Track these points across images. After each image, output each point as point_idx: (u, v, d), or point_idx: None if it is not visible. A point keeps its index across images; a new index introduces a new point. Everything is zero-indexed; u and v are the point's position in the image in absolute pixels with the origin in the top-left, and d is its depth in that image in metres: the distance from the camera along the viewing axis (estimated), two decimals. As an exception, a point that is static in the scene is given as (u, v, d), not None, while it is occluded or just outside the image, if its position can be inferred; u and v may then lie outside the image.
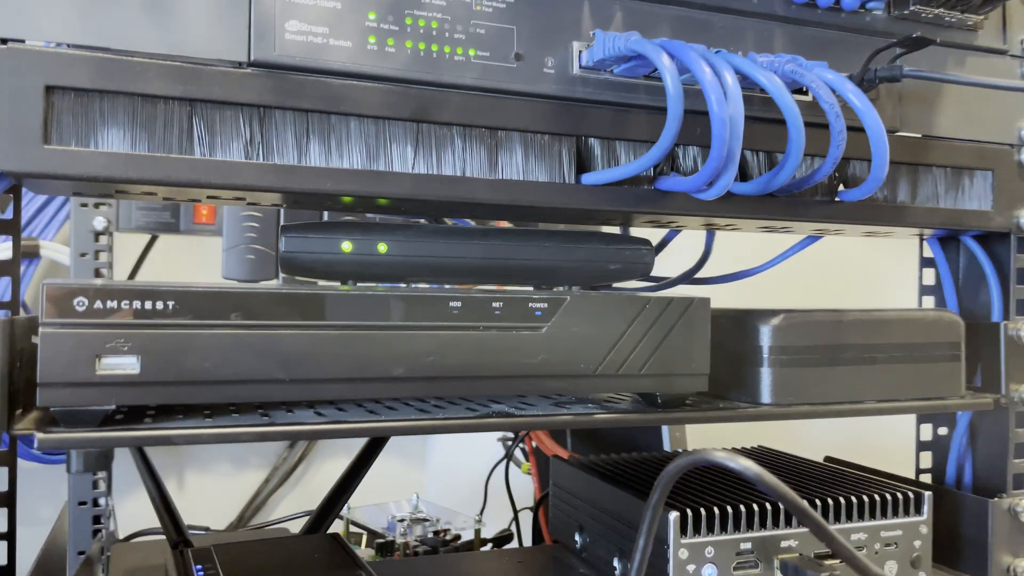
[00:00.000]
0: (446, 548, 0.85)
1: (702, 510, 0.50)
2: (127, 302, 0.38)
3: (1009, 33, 0.57)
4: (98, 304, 0.38)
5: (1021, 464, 0.59)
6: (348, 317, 0.42)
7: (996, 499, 0.58)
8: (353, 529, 0.93)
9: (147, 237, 1.13)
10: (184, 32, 0.39)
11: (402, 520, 0.88)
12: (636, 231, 1.04)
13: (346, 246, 0.48)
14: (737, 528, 0.51)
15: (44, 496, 1.13)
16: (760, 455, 0.69)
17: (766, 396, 0.52)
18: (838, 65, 0.51)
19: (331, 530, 1.09)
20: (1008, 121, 0.58)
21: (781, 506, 0.52)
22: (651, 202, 0.49)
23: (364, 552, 0.88)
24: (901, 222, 0.55)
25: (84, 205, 1.00)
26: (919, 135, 0.55)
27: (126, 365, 0.38)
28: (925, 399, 0.56)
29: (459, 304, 0.44)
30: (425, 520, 0.89)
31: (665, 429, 0.94)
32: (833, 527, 0.52)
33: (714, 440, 0.98)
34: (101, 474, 1.05)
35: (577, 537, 0.61)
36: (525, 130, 0.46)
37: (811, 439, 1.03)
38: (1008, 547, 0.58)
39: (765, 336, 0.53)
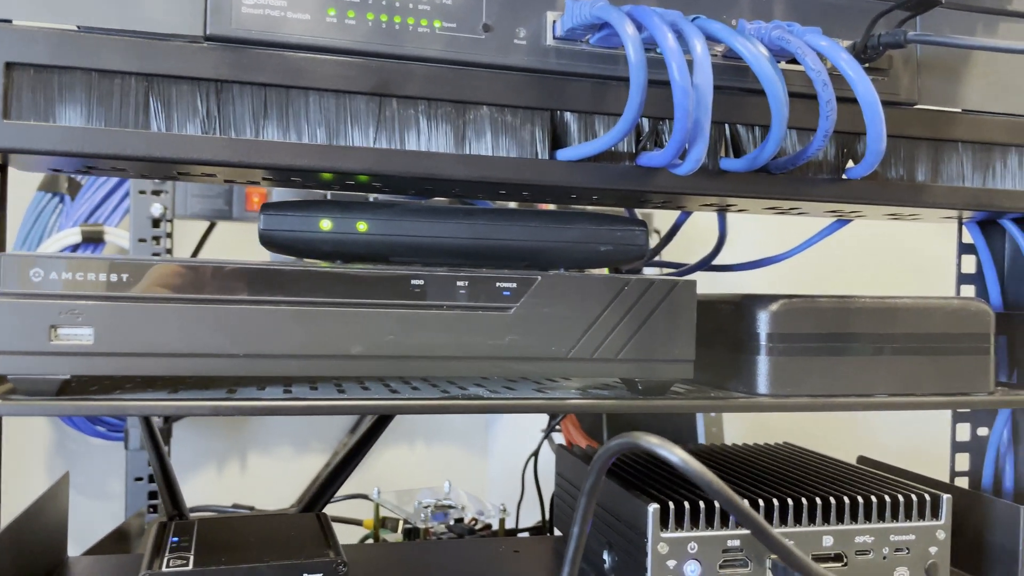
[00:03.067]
0: (472, 536, 0.85)
1: (686, 503, 0.48)
2: (81, 274, 0.39)
3: (1052, -5, 0.52)
4: (53, 275, 0.38)
5: (1061, 469, 0.54)
6: (303, 293, 0.42)
7: (1030, 506, 0.53)
8: (385, 513, 0.94)
9: (206, 224, 1.17)
10: (141, 7, 0.39)
11: (427, 507, 0.88)
12: (655, 214, 1.00)
13: (325, 224, 0.48)
14: (725, 524, 0.48)
15: (111, 471, 1.18)
16: (774, 451, 0.65)
17: (762, 386, 0.49)
18: (844, 32, 0.48)
19: (362, 514, 1.11)
20: (1049, 92, 0.52)
21: (775, 503, 0.49)
22: (633, 179, 0.46)
23: (393, 536, 0.89)
24: (918, 202, 0.51)
25: (142, 192, 1.04)
26: (942, 108, 0.51)
27: (80, 336, 0.39)
28: (945, 395, 0.52)
29: (421, 283, 0.44)
30: (451, 507, 0.88)
31: (700, 422, 0.91)
32: (832, 528, 0.49)
33: (756, 435, 0.94)
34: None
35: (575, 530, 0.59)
36: (495, 104, 0.44)
37: (875, 442, 0.98)
38: (1044, 559, 0.53)
39: (762, 322, 0.50)
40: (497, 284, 0.45)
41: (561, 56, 0.45)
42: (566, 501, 0.62)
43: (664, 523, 0.47)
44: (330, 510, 1.21)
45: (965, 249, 0.61)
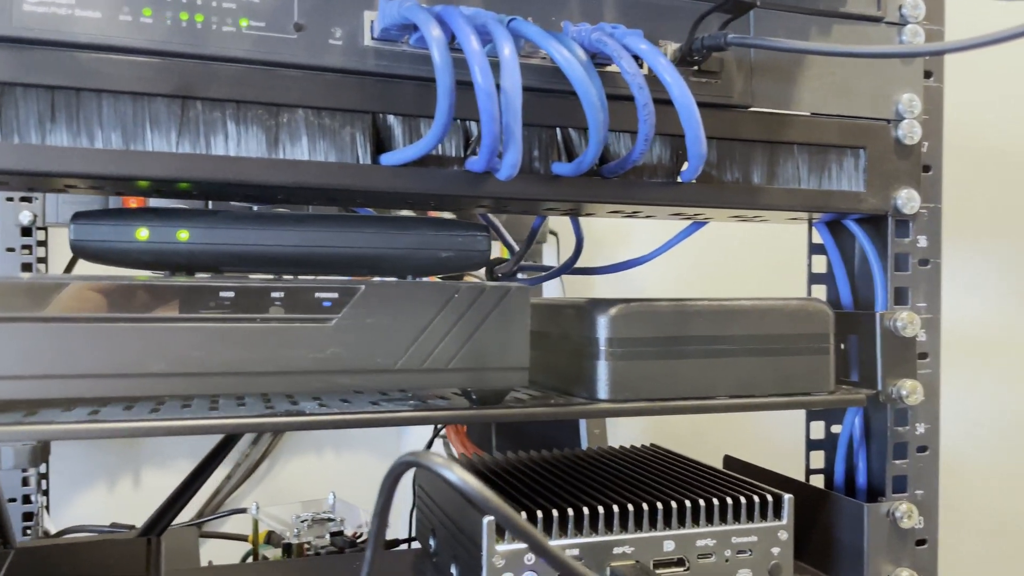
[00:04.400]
0: (353, 549, 0.83)
1: (523, 513, 0.47)
2: None
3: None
4: None
5: (901, 465, 0.55)
6: (97, 308, 0.39)
7: (872, 504, 0.54)
8: (270, 527, 0.91)
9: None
10: (-95, 3, 0.36)
11: (304, 521, 0.85)
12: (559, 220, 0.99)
13: (143, 233, 0.45)
14: (564, 533, 0.47)
15: (-15, 492, 1.12)
16: (636, 454, 0.65)
17: (602, 391, 0.49)
18: (675, 35, 0.48)
19: (239, 529, 1.07)
20: (883, 95, 0.53)
21: (615, 509, 0.49)
22: (461, 184, 0.45)
23: (274, 552, 0.86)
24: (755, 205, 0.51)
25: (10, 199, 0.99)
26: (776, 111, 0.51)
27: None
28: (785, 395, 0.52)
29: (231, 294, 0.41)
30: (330, 520, 0.86)
31: (583, 427, 0.91)
32: (673, 532, 0.48)
33: (654, 435, 0.94)
34: (32, 470, 1.04)
35: (431, 541, 0.58)
36: (311, 106, 0.43)
37: (767, 439, 0.99)
38: (887, 555, 0.54)
39: (601, 327, 0.49)
40: (316, 294, 0.43)
41: (381, 57, 0.43)
42: (424, 513, 0.60)
43: (500, 535, 0.46)
44: (217, 526, 1.17)
45: (815, 249, 0.62)
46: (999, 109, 0.94)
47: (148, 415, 0.41)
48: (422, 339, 0.44)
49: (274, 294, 0.42)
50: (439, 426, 0.92)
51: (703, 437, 1.10)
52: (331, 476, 1.37)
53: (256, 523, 0.90)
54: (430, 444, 0.94)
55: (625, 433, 1.09)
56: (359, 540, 0.85)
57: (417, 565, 0.58)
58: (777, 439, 0.85)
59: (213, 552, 1.11)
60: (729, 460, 0.68)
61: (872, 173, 0.53)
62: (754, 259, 1.12)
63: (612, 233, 1.10)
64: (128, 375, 0.40)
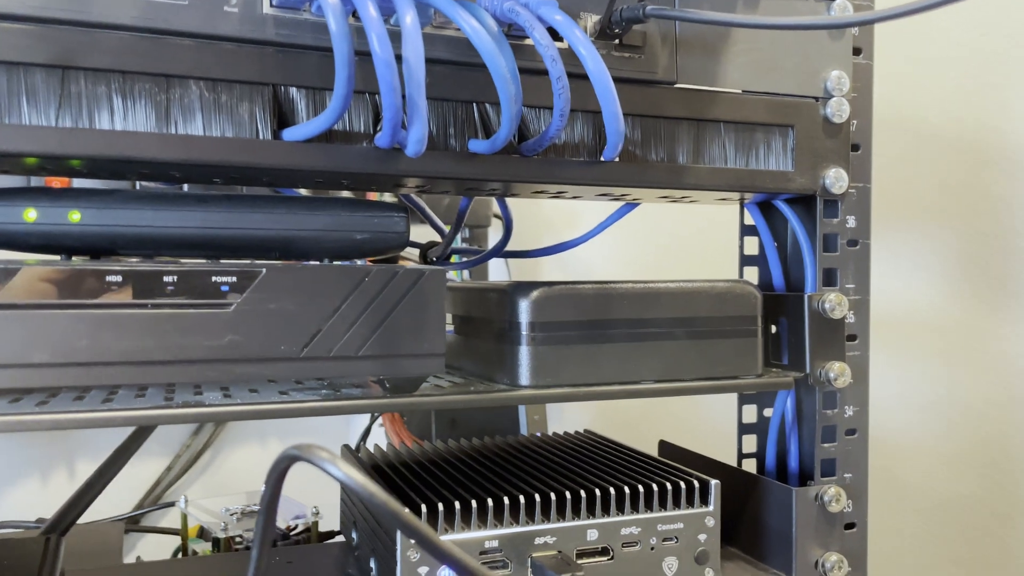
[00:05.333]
0: (285, 542, 0.80)
1: (440, 505, 0.45)
2: None
3: (813, -26, 0.52)
4: None
5: (830, 449, 0.54)
6: (-32, 294, 0.37)
7: (800, 488, 0.53)
8: (202, 521, 0.89)
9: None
10: None
11: (234, 514, 0.83)
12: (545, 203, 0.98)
13: (31, 215, 0.42)
14: (484, 524, 0.46)
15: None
16: (569, 441, 0.64)
17: (524, 377, 0.47)
18: (596, 7, 0.46)
19: (167, 522, 1.04)
20: (811, 72, 0.52)
21: (536, 498, 0.47)
22: (370, 161, 0.43)
23: (203, 546, 0.84)
24: (680, 184, 0.49)
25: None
26: (702, 87, 0.50)
27: None
28: (713, 379, 0.51)
29: (119, 279, 0.39)
30: (261, 512, 0.84)
31: (522, 414, 0.89)
32: (597, 521, 0.47)
33: (597, 421, 0.92)
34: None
35: (353, 534, 0.56)
36: (206, 78, 0.40)
37: (710, 422, 0.99)
38: (816, 539, 0.53)
39: (523, 311, 0.47)
40: (213, 278, 0.40)
41: (281, 26, 0.41)
42: (347, 505, 0.58)
43: (416, 528, 0.44)
44: (158, 519, 1.13)
45: (747, 231, 0.61)
46: (942, 87, 0.94)
47: (34, 408, 0.38)
48: (329, 326, 0.42)
49: (166, 278, 0.40)
50: (375, 415, 0.90)
51: (648, 421, 1.10)
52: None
53: (185, 517, 0.88)
54: (366, 434, 0.92)
55: (571, 418, 1.08)
56: (293, 533, 0.82)
57: (340, 559, 0.56)
58: (720, 421, 0.84)
59: (147, 547, 1.08)
60: (664, 445, 0.67)
61: (800, 152, 0.52)
62: (703, 242, 1.11)
63: (563, 215, 1.09)
64: (9, 365, 0.37)
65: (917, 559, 0.90)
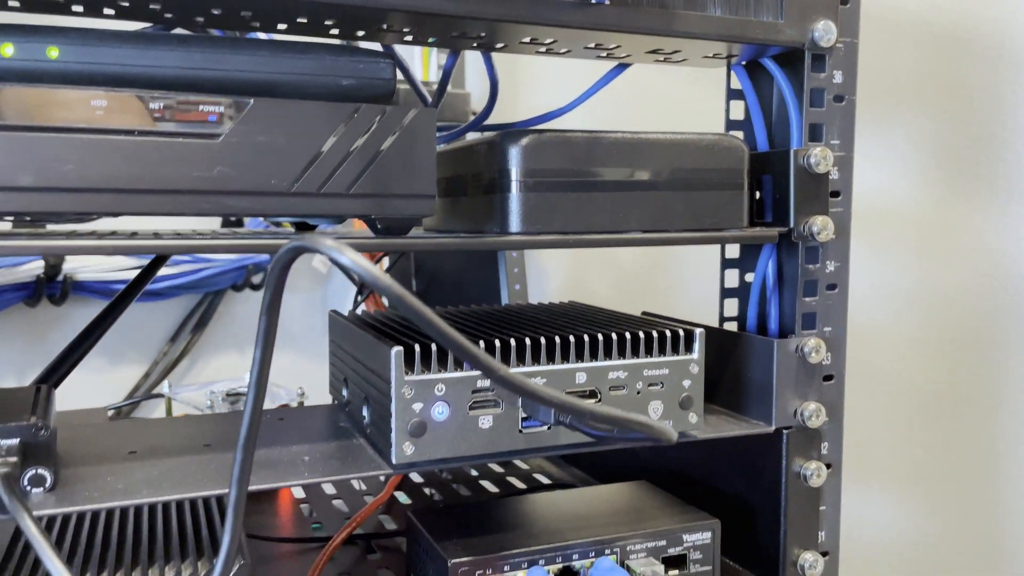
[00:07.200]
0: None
1: (433, 344, 0.46)
2: None
3: None
4: None
5: (810, 303, 0.56)
6: (-51, 112, 0.36)
7: (782, 339, 0.54)
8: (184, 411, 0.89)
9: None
10: None
11: (217, 393, 0.84)
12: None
13: (8, 50, 0.41)
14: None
15: None
16: (555, 307, 0.65)
17: (515, 224, 0.48)
18: None
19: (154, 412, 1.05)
20: (802, -80, 0.52)
21: (527, 341, 0.48)
22: (358, -5, 0.42)
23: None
24: (671, 31, 0.49)
25: None
26: (693, -70, 0.49)
27: None
28: (697, 230, 0.52)
29: (103, 103, 0.38)
30: (243, 395, 0.85)
31: (503, 284, 0.90)
32: (585, 365, 0.48)
33: (564, 299, 0.93)
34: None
35: (344, 392, 0.57)
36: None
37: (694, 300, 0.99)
38: (795, 390, 0.55)
39: (513, 158, 0.47)
40: (201, 107, 0.40)
41: None
42: (336, 367, 0.59)
43: (410, 366, 0.45)
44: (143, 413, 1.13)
45: (733, 95, 0.60)
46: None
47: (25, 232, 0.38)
48: (320, 161, 0.42)
49: (153, 104, 0.39)
50: (359, 297, 0.91)
51: (630, 306, 1.11)
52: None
53: (170, 402, 0.88)
54: (356, 306, 0.92)
55: (552, 297, 1.09)
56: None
57: (331, 415, 0.57)
58: (700, 306, 0.86)
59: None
60: (647, 314, 0.68)
61: (789, 3, 0.52)
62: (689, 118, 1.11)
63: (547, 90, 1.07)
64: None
65: (884, 440, 0.93)
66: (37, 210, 0.37)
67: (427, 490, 0.76)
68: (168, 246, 0.40)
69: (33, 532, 0.33)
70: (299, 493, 0.75)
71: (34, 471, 0.40)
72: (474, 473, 0.80)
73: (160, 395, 1.01)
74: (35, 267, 0.97)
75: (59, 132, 0.37)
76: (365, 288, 0.90)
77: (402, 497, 0.74)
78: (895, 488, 0.91)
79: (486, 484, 0.77)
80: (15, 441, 0.39)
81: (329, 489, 0.76)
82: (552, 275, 1.15)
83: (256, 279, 1.14)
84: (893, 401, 0.94)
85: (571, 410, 0.38)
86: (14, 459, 0.38)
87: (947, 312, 0.90)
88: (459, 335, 0.31)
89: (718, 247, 0.61)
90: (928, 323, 0.92)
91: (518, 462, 0.83)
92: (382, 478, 0.76)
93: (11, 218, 0.40)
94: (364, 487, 0.77)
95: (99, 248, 0.38)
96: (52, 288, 0.99)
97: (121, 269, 1.06)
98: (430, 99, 0.63)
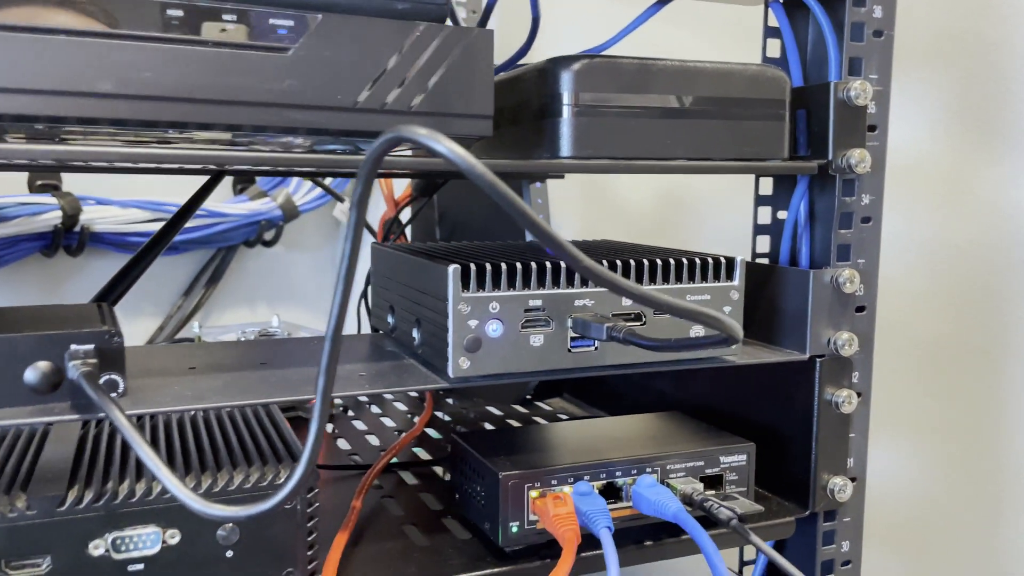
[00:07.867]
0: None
1: (488, 264, 0.47)
2: None
3: None
4: None
5: (846, 235, 0.57)
6: (35, 19, 0.36)
7: (817, 270, 0.56)
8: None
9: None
10: None
11: (247, 333, 0.85)
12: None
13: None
14: (527, 285, 0.48)
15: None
16: (587, 243, 0.66)
17: (565, 148, 0.49)
18: None
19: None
20: None
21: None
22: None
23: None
24: (719, -41, 0.50)
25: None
26: None
27: None
28: (742, 160, 0.53)
29: (180, 13, 0.39)
30: (273, 336, 0.86)
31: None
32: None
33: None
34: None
35: (390, 319, 0.58)
36: None
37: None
38: (829, 320, 0.57)
39: (565, 83, 0.48)
40: (271, 21, 0.41)
41: None
42: (381, 295, 0.60)
43: (465, 284, 0.46)
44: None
45: (770, 33, 0.61)
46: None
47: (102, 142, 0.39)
48: (384, 77, 0.43)
49: (226, 16, 0.40)
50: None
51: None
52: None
53: (199, 339, 0.89)
54: (384, 239, 0.93)
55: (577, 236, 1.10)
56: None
57: (374, 343, 0.58)
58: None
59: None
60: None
61: (834, -64, 0.53)
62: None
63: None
64: (75, 93, 0.37)
65: (893, 392, 0.95)
66: (114, 116, 0.38)
67: (457, 427, 0.77)
68: (241, 157, 0.41)
69: (124, 424, 0.34)
70: (330, 428, 0.77)
71: (108, 376, 0.41)
72: (499, 413, 0.82)
73: (189, 339, 1.03)
74: (53, 217, 0.97)
75: (137, 40, 0.38)
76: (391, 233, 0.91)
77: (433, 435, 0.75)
78: (904, 440, 0.93)
79: (512, 424, 0.78)
80: (91, 346, 0.40)
81: (360, 426, 0.78)
82: (565, 233, 1.16)
83: (268, 235, 1.15)
84: (900, 355, 0.96)
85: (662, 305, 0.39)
86: (94, 360, 0.39)
87: (957, 265, 0.92)
88: (561, 237, 0.32)
89: (737, 202, 0.62)
90: (938, 276, 0.93)
91: (542, 404, 0.85)
92: (424, 401, 0.78)
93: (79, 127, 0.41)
94: (394, 424, 0.78)
95: (165, 156, 0.39)
96: (69, 239, 1.00)
97: (137, 222, 1.07)
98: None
